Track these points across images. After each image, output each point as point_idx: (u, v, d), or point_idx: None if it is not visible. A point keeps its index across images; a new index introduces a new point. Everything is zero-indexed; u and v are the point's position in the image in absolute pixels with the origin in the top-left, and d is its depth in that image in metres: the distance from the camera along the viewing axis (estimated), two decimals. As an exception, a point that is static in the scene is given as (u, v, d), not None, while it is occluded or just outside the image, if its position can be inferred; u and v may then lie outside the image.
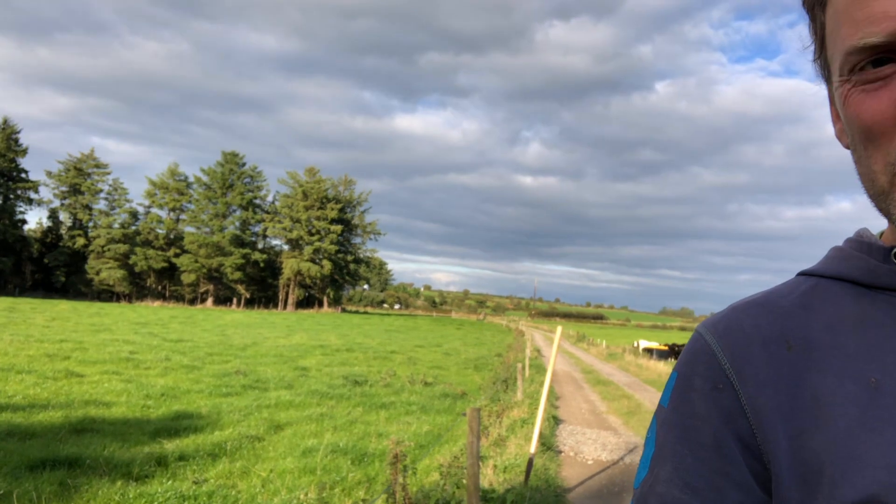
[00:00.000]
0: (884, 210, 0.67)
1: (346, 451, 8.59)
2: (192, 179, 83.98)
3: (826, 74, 0.73)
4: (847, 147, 0.71)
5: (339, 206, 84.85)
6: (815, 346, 0.68)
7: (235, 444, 8.64)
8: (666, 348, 43.84)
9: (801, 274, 0.79)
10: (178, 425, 9.72)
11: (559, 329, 7.39)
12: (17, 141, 71.76)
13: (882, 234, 0.77)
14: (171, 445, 8.45)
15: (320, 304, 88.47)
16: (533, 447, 6.98)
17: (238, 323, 43.75)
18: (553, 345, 7.69)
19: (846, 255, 0.75)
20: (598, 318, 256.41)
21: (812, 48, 0.74)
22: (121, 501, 6.14)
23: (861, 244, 0.75)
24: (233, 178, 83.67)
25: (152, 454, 7.85)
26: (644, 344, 45.07)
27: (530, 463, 6.90)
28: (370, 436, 9.80)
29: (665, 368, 25.58)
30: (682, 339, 70.89)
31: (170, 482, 6.75)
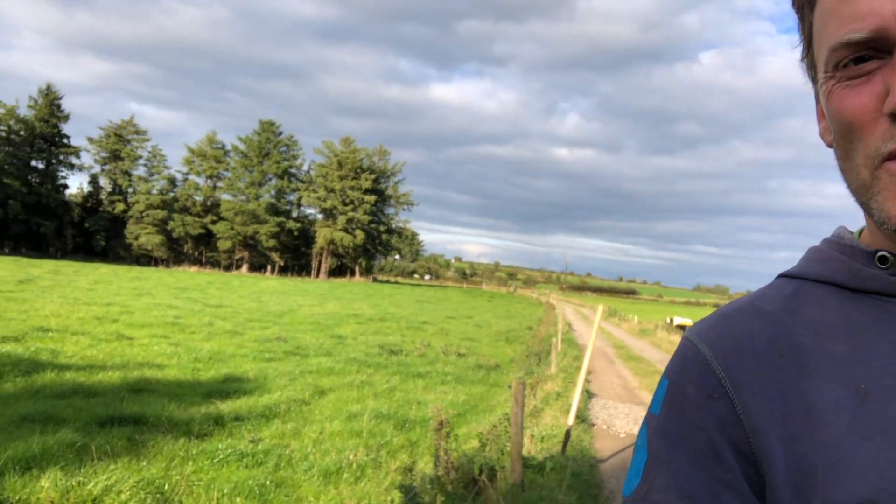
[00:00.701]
0: (864, 204, 0.68)
1: (389, 416, 9.01)
2: (228, 147, 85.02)
3: (812, 74, 0.74)
4: (830, 146, 0.72)
5: (373, 176, 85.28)
6: (804, 352, 0.70)
7: (285, 407, 9.11)
8: (691, 324, 43.68)
9: (782, 276, 0.80)
10: (228, 388, 10.23)
11: (600, 308, 7.67)
12: (59, 107, 73.15)
13: (861, 232, 0.78)
14: (224, 406, 8.96)
15: (352, 274, 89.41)
16: (571, 419, 7.32)
17: (273, 290, 44.59)
18: (592, 325, 7.96)
19: (827, 257, 0.76)
20: (631, 293, 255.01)
21: (800, 48, 0.75)
22: (185, 457, 6.61)
23: (842, 246, 0.76)
24: (269, 146, 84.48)
25: (209, 414, 8.35)
26: (679, 321, 44.88)
27: (567, 434, 7.25)
28: (410, 403, 10.22)
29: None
30: (713, 316, 70.15)
31: (228, 440, 7.22)
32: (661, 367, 19.06)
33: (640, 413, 11.47)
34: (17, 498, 4.98)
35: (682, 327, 41.38)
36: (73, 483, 5.24)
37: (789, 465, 0.65)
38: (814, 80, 0.74)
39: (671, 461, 0.71)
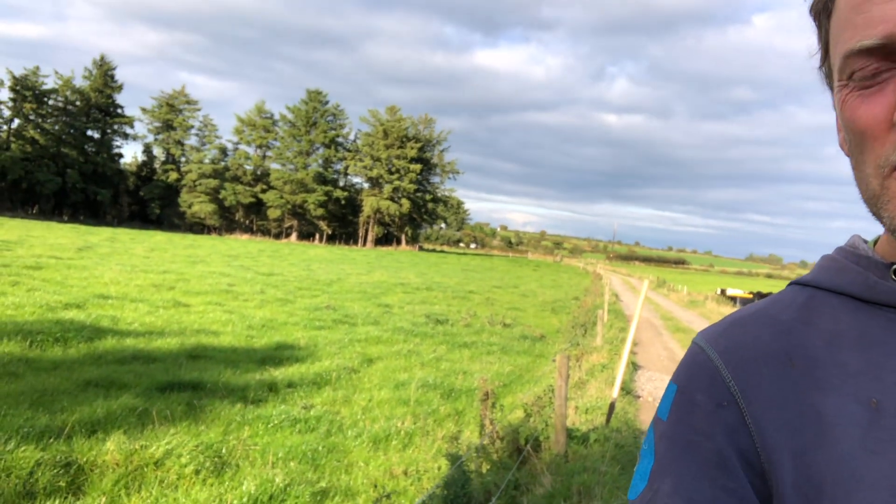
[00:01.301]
0: (876, 214, 0.67)
1: (436, 386, 9.19)
2: (277, 117, 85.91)
3: (830, 83, 0.74)
4: (848, 155, 0.71)
5: (418, 144, 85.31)
6: (817, 364, 0.69)
7: (335, 375, 9.37)
8: (750, 297, 43.01)
9: (795, 283, 0.79)
10: (280, 355, 10.54)
11: (646, 283, 7.66)
12: (113, 77, 74.84)
13: (876, 241, 0.77)
14: (278, 373, 9.25)
15: (398, 242, 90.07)
16: (615, 392, 7.38)
17: (321, 258, 45.26)
18: (639, 297, 7.95)
19: (842, 267, 0.75)
20: (680, 262, 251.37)
21: (818, 56, 0.75)
22: (241, 422, 6.89)
23: (857, 256, 0.75)
24: (316, 116, 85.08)
25: (263, 381, 8.64)
26: (731, 292, 44.08)
27: (612, 406, 7.31)
28: (455, 373, 10.39)
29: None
30: (767, 287, 69.06)
31: (282, 406, 7.49)
32: (710, 339, 18.91)
33: (687, 385, 11.44)
34: (84, 460, 5.28)
35: (732, 298, 40.74)
36: (137, 446, 5.52)
37: (799, 478, 0.65)
38: (831, 88, 0.73)
39: (677, 468, 0.71)
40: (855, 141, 0.67)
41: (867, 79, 0.64)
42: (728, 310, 30.23)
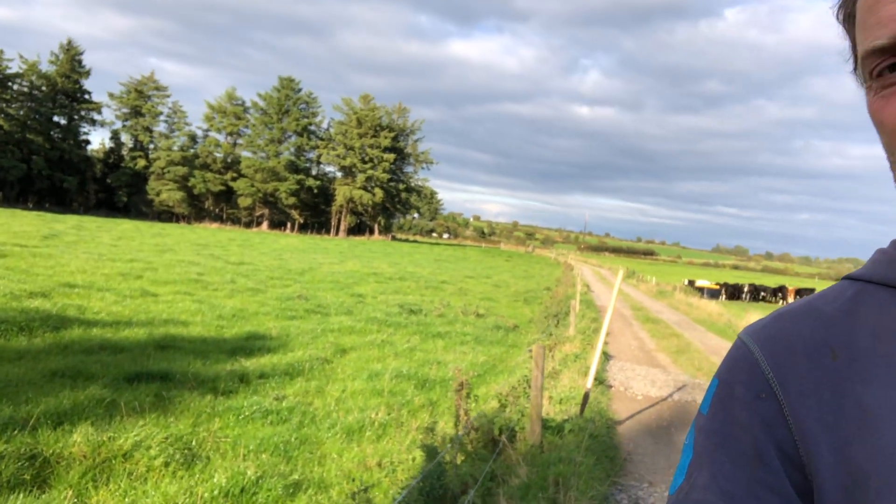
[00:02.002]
0: None
1: (409, 376, 9.14)
2: (248, 104, 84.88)
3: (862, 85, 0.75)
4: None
5: (392, 134, 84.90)
6: (860, 355, 0.68)
7: (308, 366, 9.27)
8: (717, 287, 43.67)
9: (847, 278, 0.78)
10: (251, 345, 10.41)
11: (620, 273, 7.68)
12: (80, 62, 73.28)
13: None
14: (249, 364, 9.13)
15: (371, 232, 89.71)
16: (589, 382, 7.39)
17: (293, 248, 44.91)
18: (610, 287, 7.96)
19: (892, 260, 0.73)
20: (649, 253, 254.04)
21: (851, 60, 0.75)
22: (211, 413, 6.78)
23: None
24: (289, 103, 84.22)
25: (234, 371, 8.52)
26: (700, 283, 44.71)
27: (586, 396, 7.33)
28: (429, 363, 10.34)
29: (716, 308, 25.65)
30: (734, 278, 70.13)
31: (253, 397, 7.38)
32: (678, 330, 19.19)
33: (657, 375, 11.53)
34: (50, 451, 5.15)
35: (701, 289, 41.27)
36: (104, 438, 5.40)
37: (840, 471, 0.64)
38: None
39: (714, 460, 0.71)
40: (885, 142, 0.68)
41: (888, 79, 0.65)
42: (696, 300, 30.62)
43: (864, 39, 0.66)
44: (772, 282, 63.50)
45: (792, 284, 55.55)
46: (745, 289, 46.00)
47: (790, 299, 45.95)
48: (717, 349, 15.98)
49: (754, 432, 0.70)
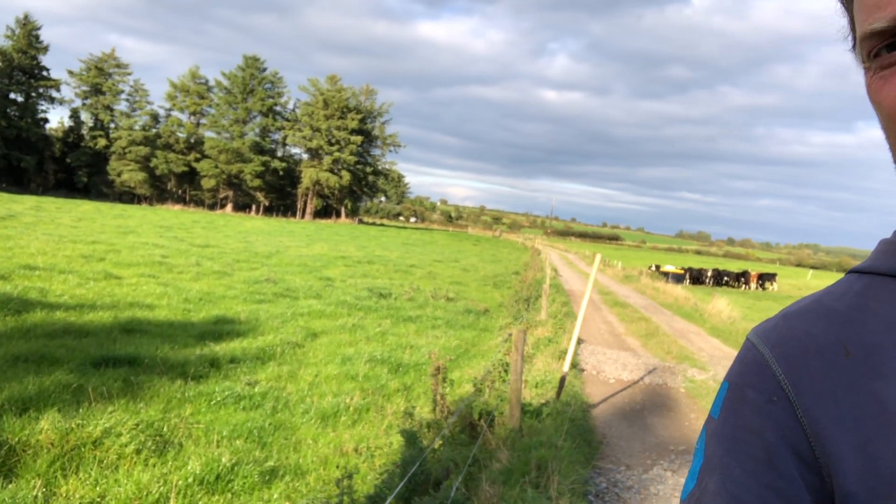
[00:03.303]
0: None
1: (383, 360, 9.06)
2: (212, 83, 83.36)
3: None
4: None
5: (359, 116, 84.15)
6: (875, 351, 0.66)
7: (279, 350, 9.13)
8: (682, 272, 44.23)
9: (853, 272, 0.76)
10: (220, 329, 10.22)
11: (598, 258, 7.67)
12: (37, 38, 71.09)
13: None
14: (218, 348, 8.95)
15: (338, 215, 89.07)
16: (566, 366, 7.39)
17: (259, 230, 44.39)
18: (582, 270, 7.95)
19: None
20: (614, 238, 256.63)
21: (850, 39, 0.74)
22: (182, 399, 6.62)
23: None
24: (253, 83, 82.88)
25: (203, 356, 8.34)
26: (668, 268, 45.28)
27: (563, 380, 7.33)
28: (402, 347, 10.27)
29: (681, 293, 25.97)
30: (697, 263, 71.18)
31: (225, 383, 7.23)
32: (646, 314, 19.39)
33: (628, 359, 11.62)
34: (15, 440, 4.97)
35: (666, 274, 41.76)
36: (72, 425, 5.23)
37: (864, 472, 0.62)
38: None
39: (725, 465, 0.70)
40: (883, 122, 0.67)
41: (886, 59, 0.64)
42: (662, 285, 30.98)
43: (863, 21, 0.65)
44: (734, 267, 64.51)
45: (754, 269, 56.47)
46: (709, 273, 46.64)
47: (752, 284, 46.76)
48: (685, 332, 16.19)
49: (766, 437, 0.69)
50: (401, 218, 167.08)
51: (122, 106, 78.91)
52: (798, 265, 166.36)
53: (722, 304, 21.09)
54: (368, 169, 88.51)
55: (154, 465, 4.99)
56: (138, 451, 5.13)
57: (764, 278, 47.86)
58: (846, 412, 0.65)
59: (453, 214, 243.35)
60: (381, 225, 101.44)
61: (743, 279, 47.41)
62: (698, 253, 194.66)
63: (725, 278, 47.33)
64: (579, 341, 12.89)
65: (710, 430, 0.74)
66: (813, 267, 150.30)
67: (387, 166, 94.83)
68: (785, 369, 0.70)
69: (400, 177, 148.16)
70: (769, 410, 0.69)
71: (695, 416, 8.25)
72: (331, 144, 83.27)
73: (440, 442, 5.57)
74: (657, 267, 45.53)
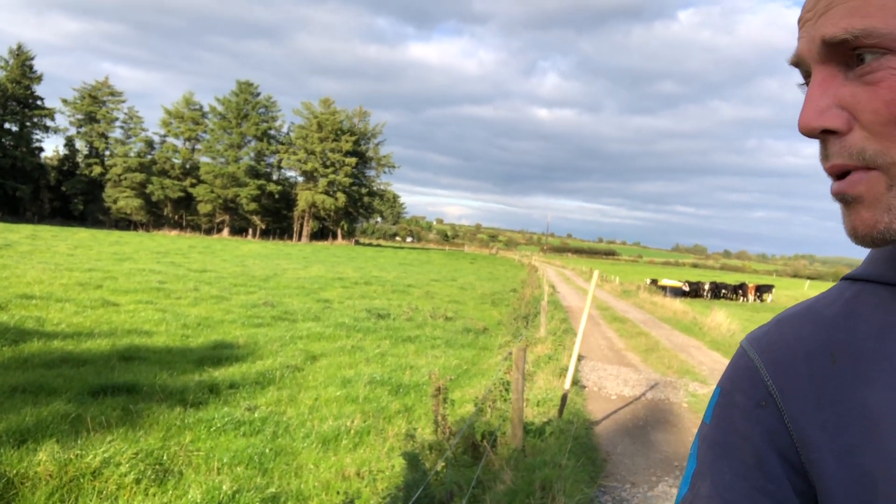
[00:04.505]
0: None
1: (383, 382, 9.00)
2: (206, 109, 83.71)
3: None
4: None
5: (353, 138, 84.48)
6: (861, 357, 0.66)
7: (279, 374, 9.07)
8: (679, 285, 44.25)
9: (846, 278, 0.76)
10: (219, 354, 10.16)
11: (595, 273, 7.66)
12: (31, 67, 71.47)
13: None
14: (217, 374, 8.89)
15: (334, 237, 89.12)
16: (567, 383, 7.35)
17: (255, 254, 44.35)
18: (578, 286, 7.93)
19: (890, 256, 0.72)
20: (610, 253, 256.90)
21: None
22: (182, 426, 6.57)
23: None
24: (247, 108, 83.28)
25: (202, 382, 8.28)
26: (666, 281, 45.27)
27: (564, 398, 7.28)
28: (402, 368, 10.22)
29: (680, 306, 25.93)
30: (694, 276, 71.22)
31: (224, 408, 7.18)
32: (646, 329, 19.34)
33: (629, 374, 11.57)
34: (13, 472, 4.91)
35: (664, 288, 41.74)
36: (71, 456, 5.17)
37: (845, 478, 0.63)
38: None
39: (715, 470, 0.71)
40: None
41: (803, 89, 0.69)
42: (660, 299, 30.95)
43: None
44: (731, 279, 64.57)
45: (751, 281, 56.51)
46: (707, 287, 46.63)
47: (750, 296, 46.76)
48: (685, 347, 16.14)
49: (755, 441, 0.70)
50: (397, 238, 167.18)
51: (116, 133, 79.32)
52: (794, 276, 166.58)
53: (721, 317, 21.05)
54: (363, 190, 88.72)
55: (154, 495, 4.93)
56: (138, 481, 5.07)
57: (762, 290, 47.89)
58: (830, 419, 0.66)
59: (449, 233, 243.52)
60: (378, 245, 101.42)
61: (741, 291, 47.42)
62: (695, 266, 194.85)
63: (723, 291, 47.33)
64: (579, 357, 12.84)
65: (703, 435, 0.76)
66: (809, 277, 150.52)
67: (382, 187, 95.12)
68: (772, 374, 0.71)
69: (395, 197, 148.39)
70: (757, 415, 0.71)
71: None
72: (325, 167, 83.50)
73: (443, 464, 5.53)
74: (654, 281, 45.53)
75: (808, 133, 0.66)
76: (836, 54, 0.64)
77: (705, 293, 45.99)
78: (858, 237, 0.65)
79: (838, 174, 0.66)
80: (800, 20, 0.68)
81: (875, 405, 0.63)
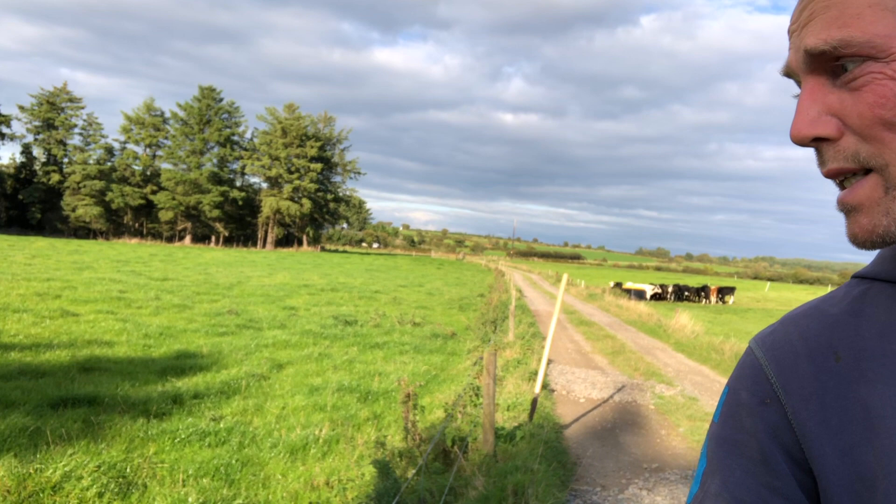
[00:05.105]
0: None
1: (352, 389, 8.91)
2: (168, 115, 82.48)
3: None
4: None
5: (318, 143, 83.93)
6: (865, 355, 0.67)
7: (244, 383, 8.92)
8: (641, 288, 44.81)
9: (856, 276, 0.77)
10: (182, 364, 9.97)
11: (564, 277, 7.67)
12: (-15, 73, 69.68)
13: None
14: (181, 384, 8.71)
15: (300, 243, 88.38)
16: (538, 388, 7.34)
17: (219, 261, 43.77)
18: (544, 290, 7.94)
19: None
20: (576, 257, 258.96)
21: None
22: (145, 438, 6.41)
23: None
24: (210, 113, 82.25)
25: (166, 393, 8.11)
26: (630, 284, 45.85)
27: (535, 402, 7.28)
28: (371, 375, 10.13)
29: (645, 309, 26.18)
30: (658, 279, 72.07)
31: (189, 419, 7.03)
32: (612, 332, 19.48)
33: (596, 377, 11.63)
34: (-31, 488, 4.74)
35: (627, 291, 42.16)
36: (30, 470, 5.01)
37: (847, 475, 0.64)
38: None
39: (724, 467, 0.73)
40: None
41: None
42: (625, 301, 31.23)
43: None
44: (694, 282, 65.53)
45: (713, 284, 57.38)
46: (670, 289, 47.23)
47: (713, 298, 47.47)
48: (650, 349, 16.29)
49: (760, 438, 0.72)
50: (363, 244, 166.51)
51: (75, 140, 77.66)
52: (755, 278, 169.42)
53: (685, 319, 21.29)
54: (329, 196, 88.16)
55: (117, 509, 4.80)
56: (100, 495, 4.93)
57: (724, 292, 48.65)
58: (833, 416, 0.67)
59: (416, 239, 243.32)
60: (344, 252, 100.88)
61: (703, 293, 48.11)
62: (658, 269, 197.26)
63: (686, 293, 47.97)
64: (548, 361, 12.87)
65: (712, 433, 0.78)
66: (770, 279, 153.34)
67: (348, 193, 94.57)
68: (776, 372, 0.73)
69: (361, 203, 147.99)
70: (762, 412, 0.72)
71: (665, 432, 8.25)
72: (290, 173, 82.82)
73: (413, 471, 5.47)
74: (619, 284, 45.99)
75: (801, 142, 0.67)
76: (820, 64, 0.66)
77: (669, 296, 46.57)
78: (859, 242, 0.66)
79: (836, 177, 0.68)
80: (788, 31, 0.70)
81: (877, 404, 0.64)
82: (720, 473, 0.73)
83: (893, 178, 0.63)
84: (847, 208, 0.67)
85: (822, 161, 0.68)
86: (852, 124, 0.64)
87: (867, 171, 0.65)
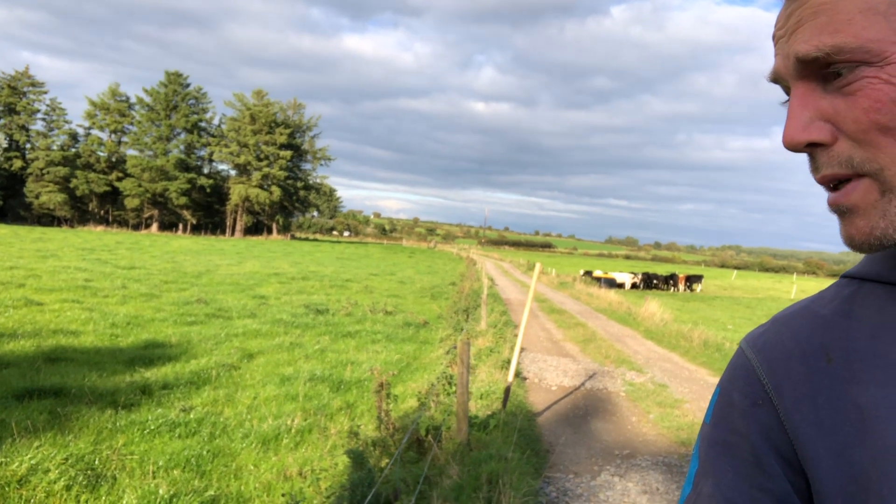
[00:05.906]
0: None
1: (324, 378, 8.86)
2: (133, 100, 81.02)
3: None
4: None
5: (288, 130, 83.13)
6: (856, 357, 0.67)
7: (214, 373, 8.82)
8: (608, 276, 45.31)
9: (846, 276, 0.77)
10: (150, 354, 9.83)
11: (537, 267, 7.69)
12: (-57, 55, 67.80)
13: None
14: (149, 374, 8.59)
15: (269, 231, 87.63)
16: (510, 376, 7.36)
17: (187, 249, 43.23)
18: (516, 278, 7.95)
19: (888, 255, 0.72)
20: (547, 246, 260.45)
21: None
22: (113, 429, 6.31)
23: None
24: (177, 99, 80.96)
25: (134, 383, 7.99)
26: (598, 273, 46.31)
27: (507, 391, 7.30)
28: (343, 364, 10.09)
29: (615, 297, 26.42)
30: (627, 267, 72.85)
31: (158, 410, 6.93)
32: (582, 320, 19.63)
33: (568, 365, 11.71)
34: (-69, 482, 4.62)
35: (597, 279, 42.51)
36: (-6, 463, 4.90)
37: (840, 476, 0.64)
38: None
39: (717, 469, 0.73)
40: None
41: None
42: (595, 290, 31.47)
43: None
44: (662, 270, 66.26)
45: (681, 272, 58.08)
46: (639, 277, 47.70)
47: (681, 286, 48.06)
48: (620, 336, 16.45)
49: (753, 439, 0.71)
50: (334, 232, 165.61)
51: (38, 126, 75.97)
52: (722, 266, 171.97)
53: (654, 306, 21.51)
54: (299, 184, 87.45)
55: (87, 502, 4.72)
56: (68, 488, 4.84)
57: (691, 280, 49.24)
58: (825, 417, 0.67)
59: (387, 227, 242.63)
60: (315, 240, 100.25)
61: (672, 281, 48.66)
62: (628, 258, 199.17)
63: (655, 281, 48.49)
64: (520, 349, 12.92)
65: (704, 435, 0.77)
66: (736, 267, 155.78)
67: (318, 180, 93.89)
68: (768, 373, 0.72)
69: (332, 191, 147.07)
70: (754, 414, 0.72)
71: (636, 419, 8.34)
72: (259, 160, 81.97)
73: (387, 461, 5.46)
74: (588, 272, 46.36)
75: (794, 147, 0.67)
76: (811, 70, 0.65)
77: (639, 284, 47.06)
78: (855, 245, 0.66)
79: (830, 184, 0.67)
80: (773, 37, 0.70)
81: (869, 404, 0.64)
82: (712, 475, 0.73)
83: (889, 181, 0.62)
84: (841, 210, 0.67)
85: (815, 167, 0.68)
86: (847, 129, 0.64)
87: (860, 177, 0.65)
